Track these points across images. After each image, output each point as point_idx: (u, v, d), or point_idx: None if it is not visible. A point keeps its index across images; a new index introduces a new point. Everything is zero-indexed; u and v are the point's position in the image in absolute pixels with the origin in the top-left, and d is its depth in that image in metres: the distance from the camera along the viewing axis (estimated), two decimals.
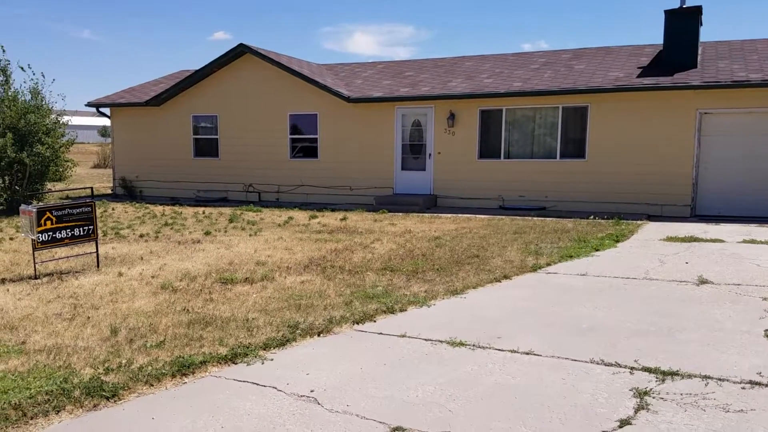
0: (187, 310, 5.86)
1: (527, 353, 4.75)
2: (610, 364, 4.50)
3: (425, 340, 5.01)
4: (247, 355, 4.66)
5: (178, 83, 18.22)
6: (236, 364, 4.56)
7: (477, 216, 13.30)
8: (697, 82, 13.23)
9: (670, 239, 10.03)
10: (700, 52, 15.13)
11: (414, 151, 15.97)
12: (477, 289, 6.62)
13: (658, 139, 13.74)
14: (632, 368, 4.43)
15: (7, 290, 6.69)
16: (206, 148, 18.68)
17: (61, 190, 9.18)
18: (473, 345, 4.92)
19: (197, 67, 18.07)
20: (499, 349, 4.83)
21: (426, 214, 13.66)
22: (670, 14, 14.63)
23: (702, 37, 16.68)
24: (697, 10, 14.38)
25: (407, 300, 6.07)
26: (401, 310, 5.78)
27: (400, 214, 13.84)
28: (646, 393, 4.03)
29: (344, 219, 12.77)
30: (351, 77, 18.17)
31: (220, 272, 7.50)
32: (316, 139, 17.07)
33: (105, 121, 58.51)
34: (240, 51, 17.39)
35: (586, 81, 14.43)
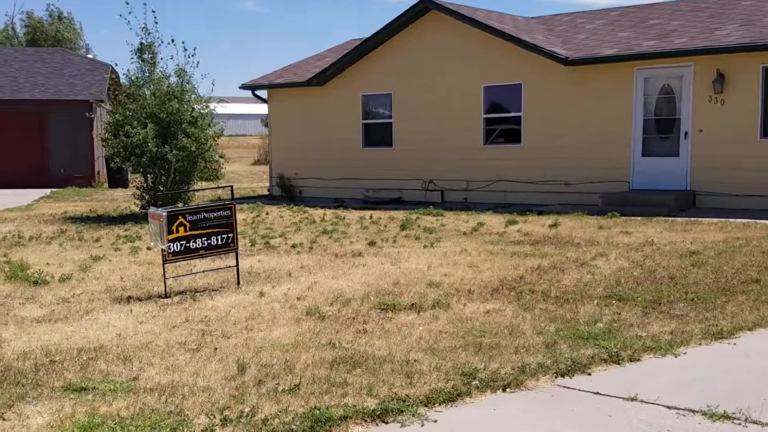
0: (333, 344, 5.86)
1: None
2: None
3: (667, 407, 4.46)
4: (402, 411, 4.46)
5: (344, 56, 18.91)
6: (386, 423, 4.35)
7: (759, 221, 12.38)
8: None
9: None
10: None
11: (661, 129, 15.14)
12: (755, 332, 6.02)
13: None
14: None
15: (131, 311, 7.19)
16: (378, 135, 19.12)
17: (208, 188, 9.75)
18: (744, 419, 4.22)
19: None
20: None
21: (678, 219, 12.95)
22: None
23: None
24: None
25: (642, 345, 5.65)
26: (631, 360, 5.39)
27: (639, 218, 13.24)
28: None
29: (555, 225, 12.43)
30: (571, 31, 17.53)
31: (381, 295, 7.50)
32: (520, 117, 16.71)
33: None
34: (422, 8, 17.54)
35: None
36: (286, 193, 20.24)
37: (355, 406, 4.52)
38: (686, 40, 14.76)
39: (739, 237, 10.65)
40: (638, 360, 5.35)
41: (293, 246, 11.08)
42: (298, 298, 7.49)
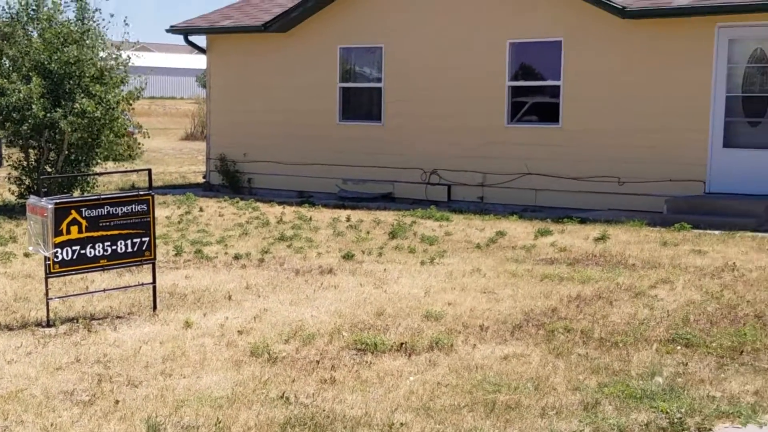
0: (287, 398, 5.85)
1: None
2: None
3: None
4: None
5: None
6: None
7: None
8: None
9: None
10: None
11: (751, 111, 15.20)
12: None
13: None
14: None
15: None
16: (361, 105, 18.97)
17: (117, 171, 9.70)
18: None
19: None
20: None
21: None
22: None
23: None
24: None
25: (715, 409, 5.74)
26: (700, 429, 5.48)
27: (716, 232, 13.36)
28: None
29: (602, 239, 12.48)
30: None
31: (358, 330, 7.52)
32: (558, 88, 16.69)
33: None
34: None
35: None
36: (229, 181, 20.14)
37: None
38: None
39: None
40: (709, 429, 5.43)
41: (236, 257, 11.03)
42: (240, 332, 7.44)
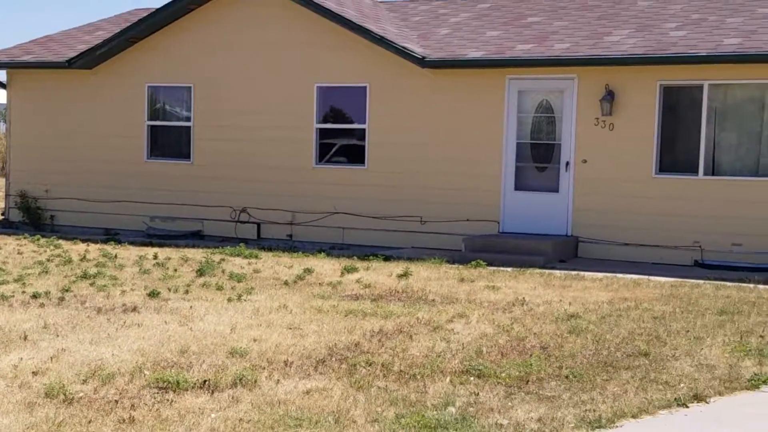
0: None
1: None
2: None
3: None
4: None
5: (125, 29, 18.56)
6: None
7: (652, 278, 13.27)
8: None
9: None
10: None
11: (538, 157, 15.90)
12: (640, 421, 6.37)
13: None
14: None
15: None
16: (170, 143, 18.80)
17: None
18: None
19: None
20: None
21: (557, 272, 13.78)
22: None
23: None
24: None
25: None
26: None
27: (509, 269, 13.91)
28: None
29: (405, 275, 12.79)
30: (431, 24, 18.11)
31: (160, 368, 7.38)
32: (364, 131, 17.08)
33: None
34: None
35: None
36: (30, 218, 19.54)
37: None
38: (569, 46, 15.52)
39: (627, 297, 11.42)
40: None
41: (35, 296, 10.67)
42: (35, 373, 7.20)
